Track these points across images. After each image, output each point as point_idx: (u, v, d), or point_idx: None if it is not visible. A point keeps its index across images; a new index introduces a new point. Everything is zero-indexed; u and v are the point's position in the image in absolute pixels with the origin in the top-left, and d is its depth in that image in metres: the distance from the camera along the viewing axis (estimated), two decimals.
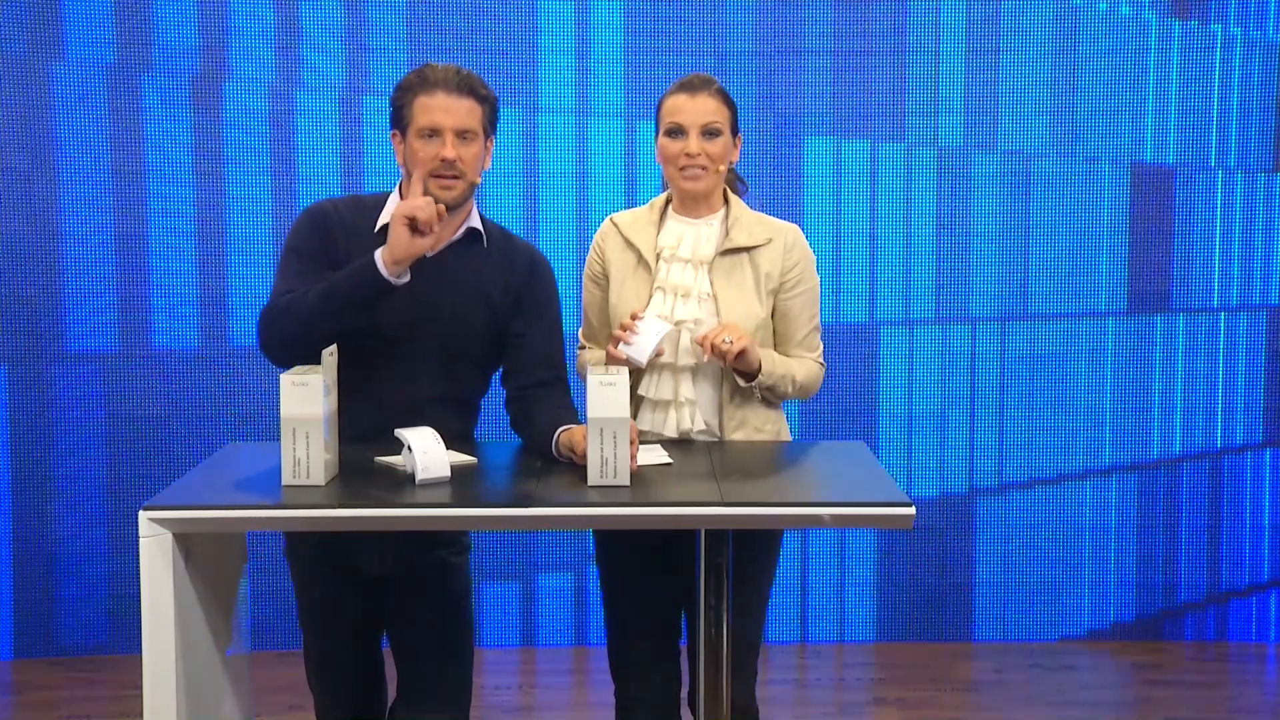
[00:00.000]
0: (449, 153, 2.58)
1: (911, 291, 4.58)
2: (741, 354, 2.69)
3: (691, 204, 2.84)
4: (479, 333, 2.71)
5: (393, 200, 2.70)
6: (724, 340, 2.65)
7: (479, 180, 2.67)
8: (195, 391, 4.43)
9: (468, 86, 2.61)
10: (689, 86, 2.79)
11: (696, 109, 2.76)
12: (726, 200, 2.88)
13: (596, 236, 2.92)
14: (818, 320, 2.90)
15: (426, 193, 2.60)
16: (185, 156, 4.37)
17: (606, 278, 2.87)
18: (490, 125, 2.67)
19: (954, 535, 4.64)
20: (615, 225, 2.89)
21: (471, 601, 2.82)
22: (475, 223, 2.72)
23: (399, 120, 2.65)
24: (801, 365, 2.83)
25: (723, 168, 2.80)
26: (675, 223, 2.85)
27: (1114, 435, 4.64)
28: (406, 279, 2.54)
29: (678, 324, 2.76)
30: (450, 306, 2.64)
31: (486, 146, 2.68)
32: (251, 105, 4.37)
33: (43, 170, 4.33)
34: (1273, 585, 4.71)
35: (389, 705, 2.85)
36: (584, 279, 2.93)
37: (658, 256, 2.81)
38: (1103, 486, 4.66)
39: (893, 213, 4.55)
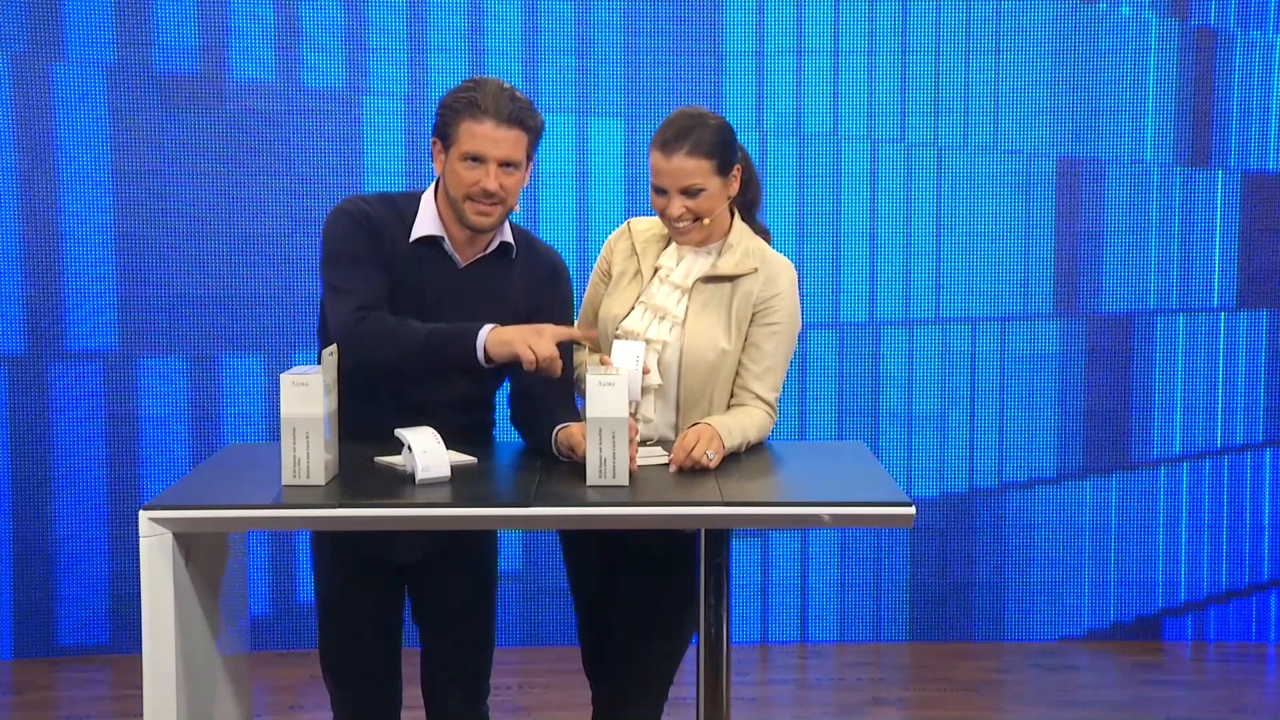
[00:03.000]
0: (491, 184, 2.58)
1: (911, 291, 4.58)
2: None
3: None
4: None
5: (427, 203, 2.68)
6: (706, 456, 2.56)
7: (517, 207, 2.67)
8: (195, 391, 4.43)
9: (517, 118, 2.58)
10: (664, 145, 2.69)
11: (672, 172, 2.68)
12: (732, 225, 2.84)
13: (613, 235, 2.92)
14: (784, 363, 2.80)
15: (461, 216, 2.61)
16: (185, 156, 4.37)
17: (611, 276, 2.88)
18: (533, 150, 2.66)
19: (954, 535, 4.64)
20: (630, 230, 2.89)
21: (497, 573, 2.83)
22: (507, 236, 2.73)
23: (442, 132, 2.63)
24: (754, 424, 2.73)
25: (708, 220, 2.73)
26: (680, 246, 2.82)
27: (1114, 435, 4.64)
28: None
29: (648, 343, 2.72)
30: (481, 318, 2.62)
31: (526, 169, 2.67)
32: (251, 105, 4.37)
33: (43, 170, 4.33)
34: (1273, 585, 4.71)
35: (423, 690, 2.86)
36: (593, 274, 2.93)
37: (654, 272, 2.81)
38: (1103, 486, 4.66)
39: (893, 213, 4.55)
